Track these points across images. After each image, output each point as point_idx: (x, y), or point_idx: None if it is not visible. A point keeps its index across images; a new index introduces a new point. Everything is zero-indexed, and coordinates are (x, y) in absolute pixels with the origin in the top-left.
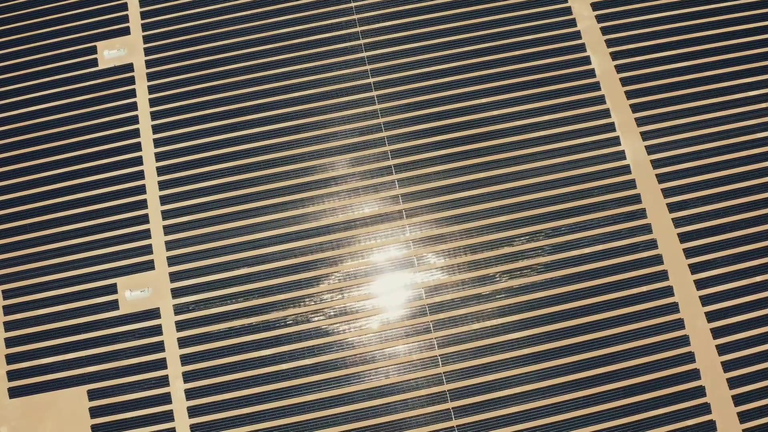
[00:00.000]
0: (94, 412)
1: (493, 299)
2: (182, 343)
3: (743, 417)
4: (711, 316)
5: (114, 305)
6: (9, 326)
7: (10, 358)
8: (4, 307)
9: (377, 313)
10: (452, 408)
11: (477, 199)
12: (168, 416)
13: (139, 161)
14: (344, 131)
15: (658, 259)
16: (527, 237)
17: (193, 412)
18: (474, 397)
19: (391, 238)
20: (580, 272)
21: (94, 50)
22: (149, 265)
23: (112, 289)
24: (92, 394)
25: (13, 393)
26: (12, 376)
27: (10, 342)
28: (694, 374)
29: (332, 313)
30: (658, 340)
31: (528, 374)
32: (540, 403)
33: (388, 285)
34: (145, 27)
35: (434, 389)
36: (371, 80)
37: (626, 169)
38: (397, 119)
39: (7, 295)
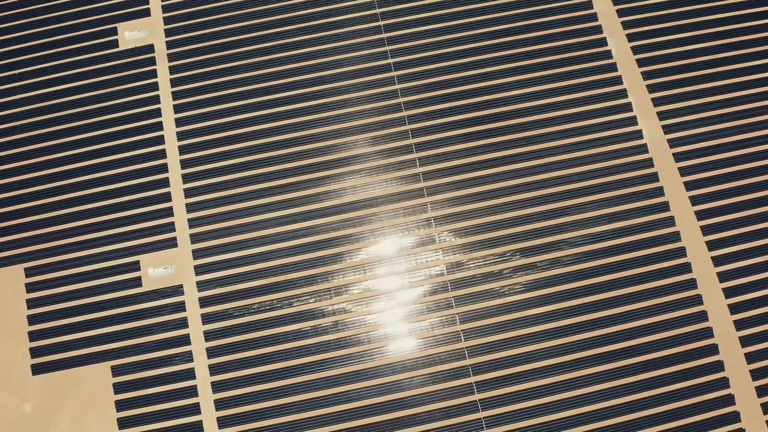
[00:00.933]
0: (118, 388)
1: (515, 275)
2: (206, 319)
3: (761, 391)
4: (728, 292)
5: (137, 282)
6: (31, 304)
7: (33, 335)
8: (26, 284)
9: (399, 288)
10: (474, 382)
11: (497, 178)
12: (192, 391)
13: (161, 140)
14: (365, 110)
15: (675, 236)
16: (546, 215)
17: (217, 387)
18: (496, 372)
19: (412, 215)
20: (598, 249)
21: (114, 31)
22: (172, 243)
23: (135, 266)
24: (116, 370)
25: (36, 370)
26: (35, 353)
27: (32, 319)
28: (713, 349)
29: (354, 289)
30: (677, 315)
31: (549, 349)
32: (561, 377)
33: (409, 261)
34: (165, 8)
35: (456, 364)
36: (391, 61)
37: (643, 148)
38: (417, 99)
39: (30, 272)
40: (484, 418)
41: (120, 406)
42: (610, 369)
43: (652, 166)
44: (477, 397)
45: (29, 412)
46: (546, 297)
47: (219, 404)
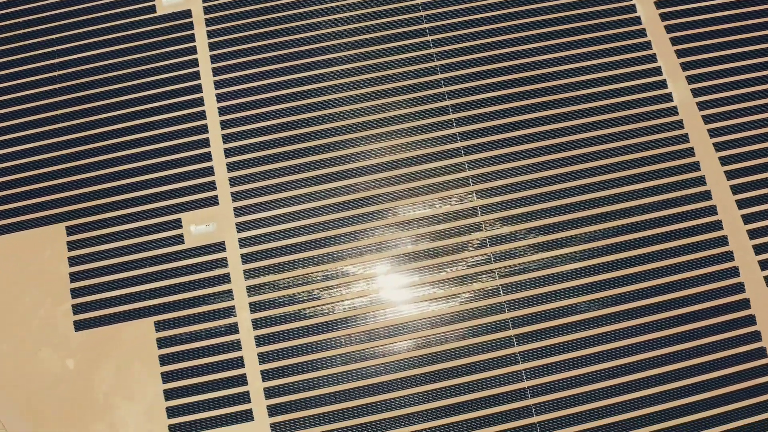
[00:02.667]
0: (162, 343)
1: (552, 231)
2: (248, 275)
3: None
4: (759, 249)
5: (179, 239)
6: (73, 261)
7: (75, 293)
8: (68, 242)
9: (438, 246)
10: (514, 335)
11: (532, 138)
12: (235, 345)
13: (200, 102)
14: (402, 73)
15: (706, 195)
16: (579, 174)
17: (260, 341)
18: (535, 325)
19: (451, 174)
20: (632, 207)
21: None
22: (213, 201)
23: (177, 224)
24: (159, 326)
25: (79, 326)
26: (77, 309)
27: (74, 277)
28: (744, 304)
29: (394, 245)
30: (710, 271)
31: (587, 303)
32: (598, 330)
33: (448, 218)
34: None
35: (497, 317)
36: (426, 26)
37: (673, 110)
38: (453, 62)
39: (72, 231)
40: (524, 369)
41: (163, 360)
42: (645, 323)
43: (682, 127)
44: (517, 349)
45: (72, 368)
46: (583, 253)
47: (263, 358)
